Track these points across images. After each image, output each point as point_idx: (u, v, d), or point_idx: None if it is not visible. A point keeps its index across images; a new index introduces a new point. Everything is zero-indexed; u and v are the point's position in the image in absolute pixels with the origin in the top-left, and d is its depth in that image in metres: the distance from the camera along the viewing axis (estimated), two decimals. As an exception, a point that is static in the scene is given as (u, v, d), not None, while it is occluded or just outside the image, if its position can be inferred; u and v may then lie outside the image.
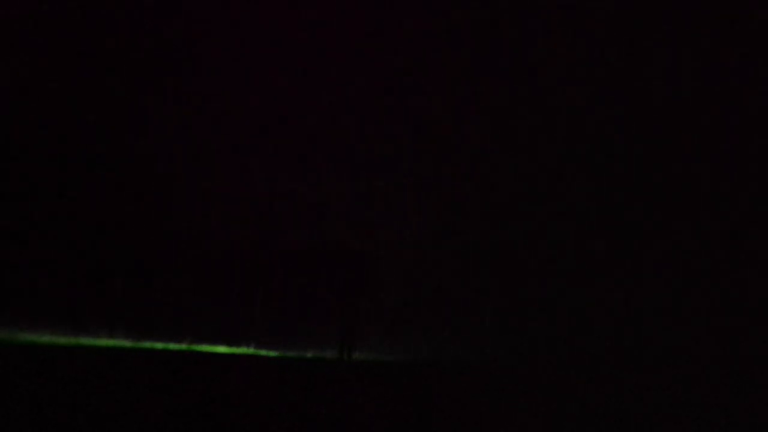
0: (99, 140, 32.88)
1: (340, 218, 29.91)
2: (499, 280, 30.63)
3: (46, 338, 25.28)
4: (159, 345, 25.89)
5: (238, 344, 27.22)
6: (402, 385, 20.38)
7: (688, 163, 30.36)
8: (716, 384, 22.33)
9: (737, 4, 29.93)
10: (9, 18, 32.97)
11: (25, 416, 13.93)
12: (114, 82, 32.40)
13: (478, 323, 28.70)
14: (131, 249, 32.14)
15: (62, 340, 25.67)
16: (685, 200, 30.24)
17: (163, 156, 29.94)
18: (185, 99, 29.81)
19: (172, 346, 26.20)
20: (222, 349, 26.12)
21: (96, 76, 32.73)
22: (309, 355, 25.48)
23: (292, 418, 14.94)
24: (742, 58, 30.28)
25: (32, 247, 32.45)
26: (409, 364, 25.11)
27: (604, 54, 30.06)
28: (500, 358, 27.06)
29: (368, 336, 28.09)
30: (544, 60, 29.26)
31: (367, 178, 29.41)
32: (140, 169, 31.53)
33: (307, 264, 30.50)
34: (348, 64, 29.33)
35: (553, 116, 29.26)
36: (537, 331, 29.28)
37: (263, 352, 25.97)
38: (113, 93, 32.40)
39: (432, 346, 27.88)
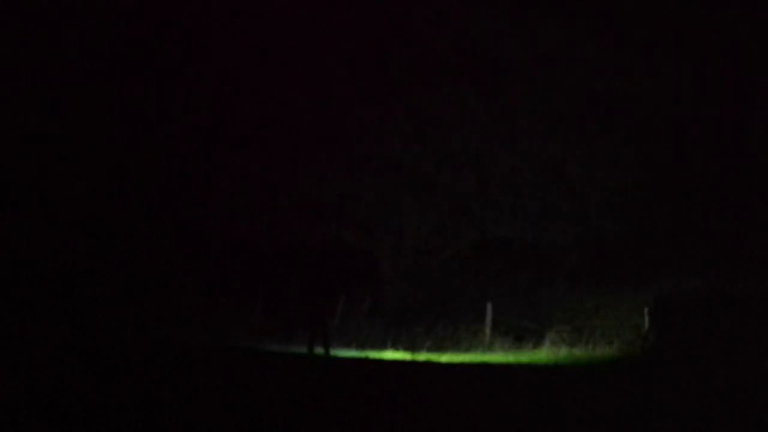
0: (98, 139, 32.88)
1: (340, 218, 29.93)
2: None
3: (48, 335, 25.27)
4: (158, 339, 25.88)
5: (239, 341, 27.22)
6: (399, 384, 20.36)
7: None
8: None
9: None
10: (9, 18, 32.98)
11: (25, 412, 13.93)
12: (112, 80, 32.40)
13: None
14: (131, 247, 32.12)
15: (66, 335, 25.66)
16: None
17: (163, 155, 29.96)
18: (184, 97, 29.84)
19: (173, 339, 26.20)
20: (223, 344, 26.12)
21: (94, 74, 32.73)
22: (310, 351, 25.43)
23: (290, 416, 14.93)
24: None
25: (36, 247, 32.46)
26: (407, 362, 25.09)
27: None
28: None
29: (369, 333, 28.09)
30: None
31: (368, 178, 29.43)
32: (140, 168, 31.54)
33: (307, 262, 30.52)
34: (349, 60, 29.37)
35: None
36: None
37: (263, 347, 25.94)
38: (111, 91, 32.42)
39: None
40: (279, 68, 29.43)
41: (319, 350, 22.70)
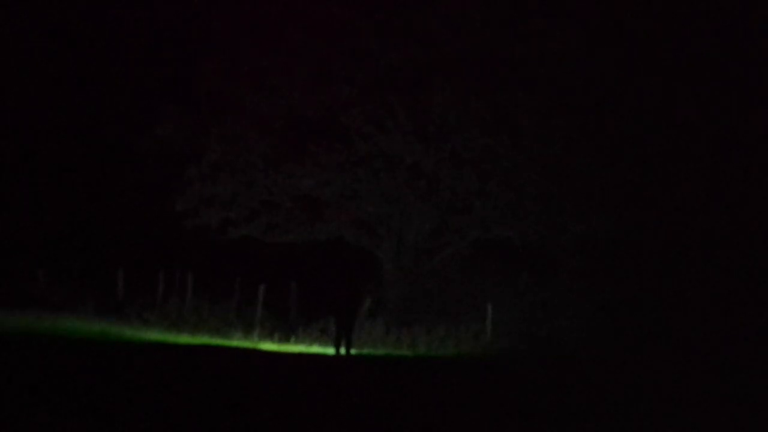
0: (97, 138, 32.88)
1: (340, 217, 29.90)
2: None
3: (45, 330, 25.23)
4: (158, 338, 25.86)
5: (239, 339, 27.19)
6: (403, 381, 20.36)
7: None
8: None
9: None
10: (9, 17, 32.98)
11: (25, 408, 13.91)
12: (111, 79, 32.42)
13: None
14: (132, 246, 32.13)
15: (64, 332, 25.63)
16: None
17: (163, 154, 29.96)
18: (183, 96, 29.84)
19: (172, 338, 26.18)
20: (220, 341, 26.10)
21: (94, 74, 32.74)
22: (310, 351, 25.47)
23: (292, 414, 14.90)
24: None
25: (36, 243, 32.45)
26: (409, 360, 25.09)
27: None
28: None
29: (370, 332, 28.04)
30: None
31: (369, 176, 29.38)
32: (140, 167, 31.54)
33: (308, 262, 30.50)
34: (350, 58, 29.36)
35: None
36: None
37: (264, 346, 25.94)
38: (109, 90, 32.43)
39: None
40: (280, 66, 29.42)
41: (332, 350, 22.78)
